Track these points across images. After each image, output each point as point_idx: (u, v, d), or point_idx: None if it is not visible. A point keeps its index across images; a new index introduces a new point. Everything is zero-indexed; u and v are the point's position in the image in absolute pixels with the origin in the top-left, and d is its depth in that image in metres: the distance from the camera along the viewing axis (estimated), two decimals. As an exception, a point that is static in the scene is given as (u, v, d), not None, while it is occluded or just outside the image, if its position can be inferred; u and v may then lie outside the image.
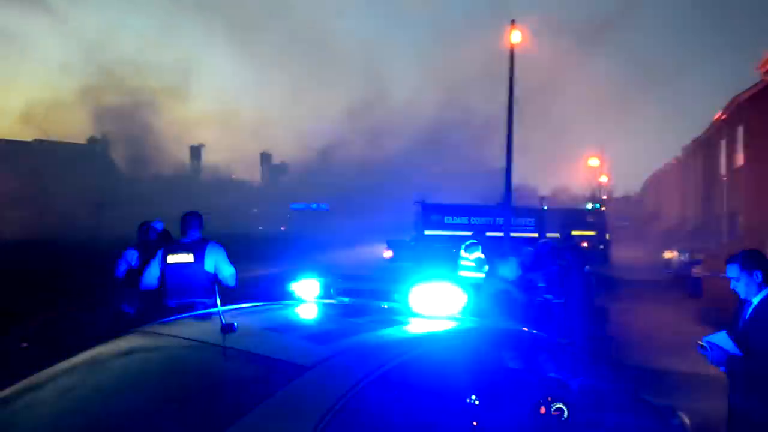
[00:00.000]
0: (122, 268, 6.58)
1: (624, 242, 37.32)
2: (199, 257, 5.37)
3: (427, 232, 24.24)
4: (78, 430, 2.01)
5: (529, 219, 24.12)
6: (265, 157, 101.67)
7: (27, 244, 32.03)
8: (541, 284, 6.84)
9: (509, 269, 5.05)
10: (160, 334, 2.65)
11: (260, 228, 62.39)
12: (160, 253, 5.49)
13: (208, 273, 5.37)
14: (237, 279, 5.52)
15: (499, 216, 22.28)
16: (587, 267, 9.78)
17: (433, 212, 24.78)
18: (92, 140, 69.55)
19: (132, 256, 6.60)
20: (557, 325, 6.81)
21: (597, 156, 46.28)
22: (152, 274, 5.45)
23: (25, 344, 7.45)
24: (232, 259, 5.59)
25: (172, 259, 5.40)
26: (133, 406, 2.10)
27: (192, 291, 5.29)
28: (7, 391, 2.35)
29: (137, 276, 5.78)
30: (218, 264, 5.42)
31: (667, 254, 22.47)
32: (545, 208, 26.20)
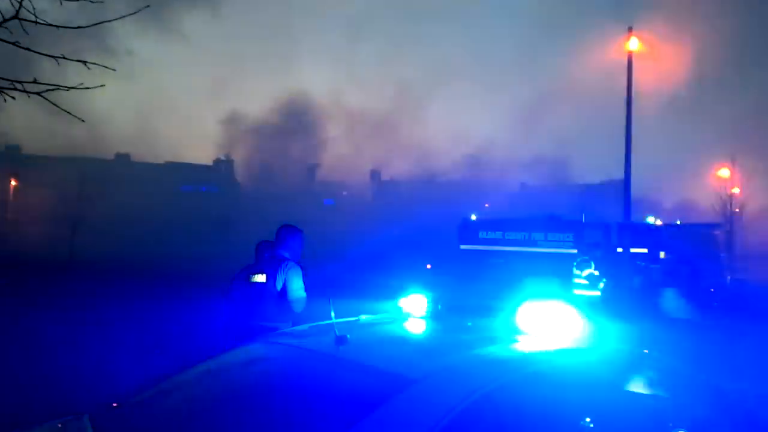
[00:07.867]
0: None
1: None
2: (271, 276, 5.06)
3: (462, 247, 24.06)
4: (199, 429, 2.23)
5: (567, 234, 19.75)
6: (374, 175, 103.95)
7: (155, 258, 34.74)
8: None
9: None
10: (279, 344, 2.83)
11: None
12: (245, 272, 5.30)
13: (277, 293, 5.03)
14: (305, 306, 5.03)
15: (534, 230, 21.43)
16: None
17: (467, 227, 24.44)
18: (217, 161, 74.54)
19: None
20: None
21: (727, 166, 42.49)
22: (233, 293, 5.33)
23: (158, 351, 8.14)
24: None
25: (253, 278, 5.17)
26: (247, 412, 2.28)
27: (263, 314, 4.98)
28: (145, 393, 2.60)
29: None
30: (288, 284, 5.03)
31: None
32: (583, 220, 22.61)
